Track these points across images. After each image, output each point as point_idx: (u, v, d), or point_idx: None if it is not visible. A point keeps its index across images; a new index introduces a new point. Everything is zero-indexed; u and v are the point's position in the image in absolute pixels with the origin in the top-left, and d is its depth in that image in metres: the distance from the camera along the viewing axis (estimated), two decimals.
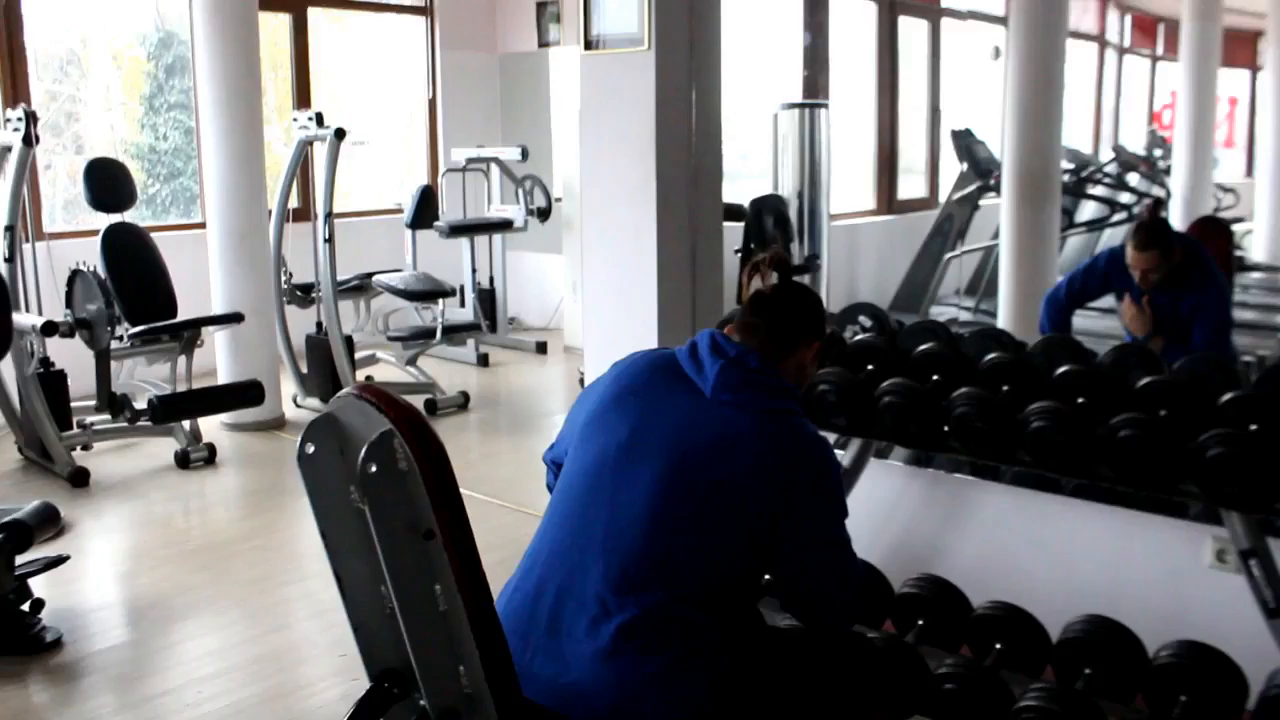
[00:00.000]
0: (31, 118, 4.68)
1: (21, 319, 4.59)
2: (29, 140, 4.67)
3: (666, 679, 1.68)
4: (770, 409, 1.80)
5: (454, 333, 6.47)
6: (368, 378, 5.88)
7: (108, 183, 5.07)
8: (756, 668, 1.81)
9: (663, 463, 1.76)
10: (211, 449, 4.94)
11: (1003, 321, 5.23)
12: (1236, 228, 6.30)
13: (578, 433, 1.90)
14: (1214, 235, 4.68)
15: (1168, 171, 8.58)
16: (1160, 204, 6.45)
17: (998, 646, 2.27)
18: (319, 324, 5.72)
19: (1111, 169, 8.39)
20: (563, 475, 1.89)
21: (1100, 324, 5.40)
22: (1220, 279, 3.69)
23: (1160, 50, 10.90)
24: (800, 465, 1.78)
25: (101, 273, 4.79)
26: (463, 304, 7.01)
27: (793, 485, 1.76)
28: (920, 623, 2.37)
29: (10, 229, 4.72)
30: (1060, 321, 3.88)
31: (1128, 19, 10.60)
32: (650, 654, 1.68)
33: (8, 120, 4.75)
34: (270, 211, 5.62)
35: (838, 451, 3.14)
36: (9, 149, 4.72)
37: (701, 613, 1.73)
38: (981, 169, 7.35)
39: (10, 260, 4.71)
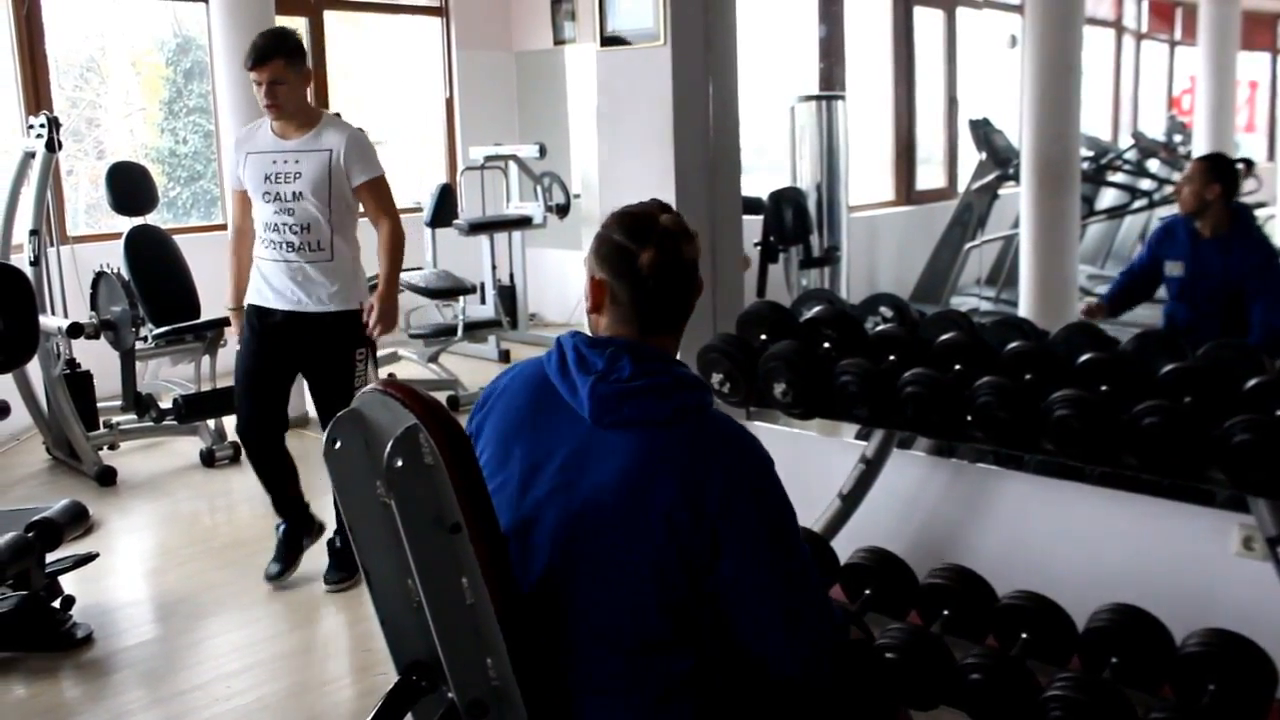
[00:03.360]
0: (54, 124, 4.72)
1: (47, 321, 4.63)
2: (52, 146, 4.71)
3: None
4: (670, 415, 1.55)
5: (475, 329, 6.50)
6: (390, 375, 5.90)
7: (129, 186, 5.11)
8: (750, 691, 1.68)
9: (560, 525, 1.55)
10: (236, 447, 4.97)
11: (1024, 310, 5.19)
12: (1259, 213, 6.24)
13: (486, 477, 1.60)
14: None
15: (1188, 157, 8.50)
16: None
17: (1023, 636, 2.26)
18: None
19: (1131, 156, 8.32)
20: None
21: None
22: (1270, 241, 3.74)
23: (1178, 35, 10.80)
24: (730, 465, 1.54)
25: (125, 275, 4.83)
26: (483, 301, 7.03)
27: (725, 495, 1.52)
28: (945, 613, 2.36)
29: (35, 233, 4.77)
30: (1121, 300, 4.06)
31: (1145, 3, 10.51)
32: (616, 707, 1.57)
33: (31, 127, 4.80)
34: None
35: (860, 442, 3.15)
36: (33, 155, 4.76)
37: (666, 657, 1.57)
38: (1000, 158, 7.31)
39: (36, 264, 4.76)
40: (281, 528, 3.67)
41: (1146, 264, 3.89)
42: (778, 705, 1.68)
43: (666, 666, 1.57)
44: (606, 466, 1.55)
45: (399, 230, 3.50)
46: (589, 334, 1.65)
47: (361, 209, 3.50)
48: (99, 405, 4.98)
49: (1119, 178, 7.99)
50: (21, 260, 4.65)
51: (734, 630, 1.60)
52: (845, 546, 2.63)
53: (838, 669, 1.67)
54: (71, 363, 4.84)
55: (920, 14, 8.59)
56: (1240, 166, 3.77)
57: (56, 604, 3.25)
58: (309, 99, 3.46)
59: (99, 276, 4.87)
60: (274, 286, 3.40)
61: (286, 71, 3.28)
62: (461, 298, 6.32)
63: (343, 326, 3.47)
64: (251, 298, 3.47)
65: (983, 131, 7.51)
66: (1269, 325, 3.50)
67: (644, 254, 1.59)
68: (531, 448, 1.61)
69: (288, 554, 3.65)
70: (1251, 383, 2.43)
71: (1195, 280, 3.69)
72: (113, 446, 5.00)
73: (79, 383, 4.84)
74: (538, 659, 1.54)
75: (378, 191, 3.45)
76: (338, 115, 3.67)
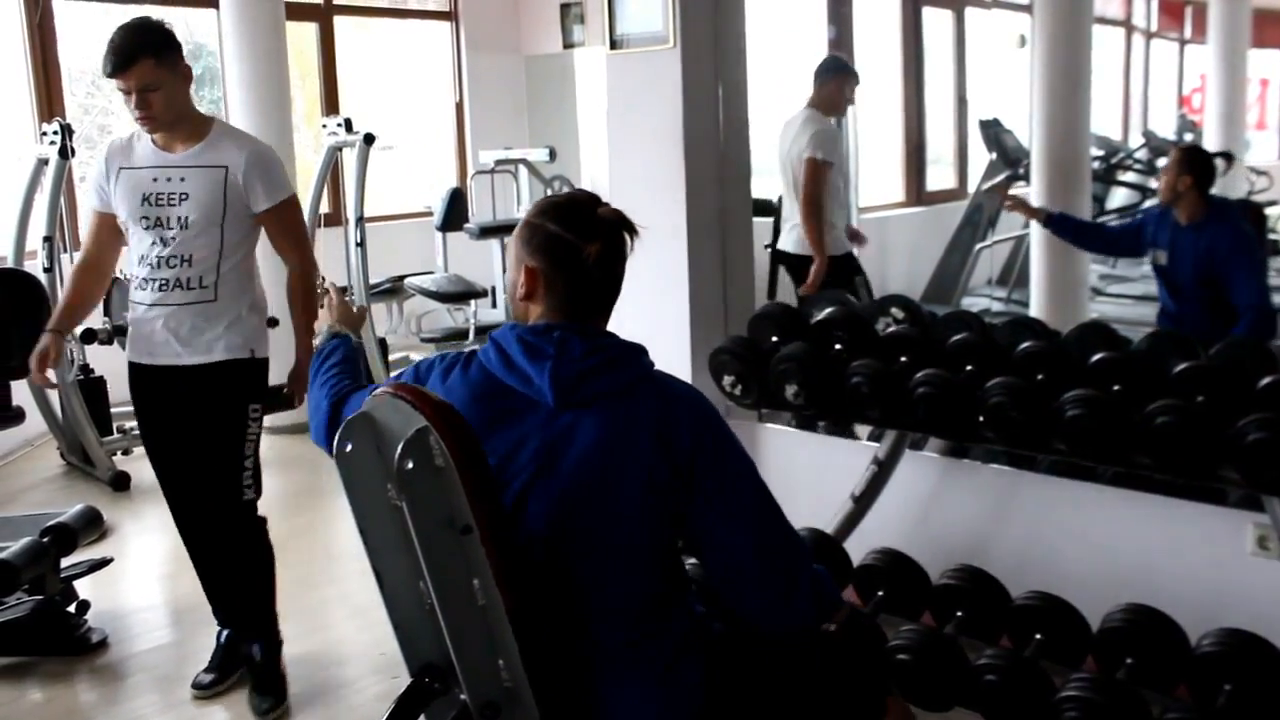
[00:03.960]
0: (67, 131, 4.75)
1: None
2: (65, 153, 4.74)
3: (656, 693, 1.61)
4: (627, 386, 1.64)
5: (486, 333, 6.48)
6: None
7: None
8: (752, 655, 1.72)
9: (547, 511, 1.60)
10: None
11: (1035, 311, 5.18)
12: (1270, 211, 6.21)
13: None
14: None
15: None
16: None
17: (1038, 637, 2.26)
18: None
19: (1141, 155, 8.29)
20: None
21: (1133, 311, 5.34)
22: (1243, 229, 3.76)
23: (1188, 33, 10.75)
24: (693, 415, 1.64)
25: None
26: (494, 304, 7.04)
27: (693, 440, 1.61)
28: (959, 614, 2.37)
29: (49, 240, 4.80)
30: (1072, 226, 4.34)
31: (1154, 2, 10.47)
32: (633, 674, 1.62)
33: (44, 134, 4.83)
34: None
35: (872, 443, 3.14)
36: (46, 162, 4.79)
37: (669, 616, 1.65)
38: (1010, 158, 7.29)
39: (49, 270, 4.78)
40: (223, 634, 3.00)
41: (1125, 227, 3.98)
42: (776, 658, 1.72)
43: (670, 625, 1.64)
44: (579, 445, 1.60)
45: (311, 268, 2.78)
46: (524, 324, 1.68)
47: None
48: (113, 411, 5.01)
49: (1129, 177, 7.96)
50: (35, 267, 4.67)
51: (710, 575, 1.69)
52: (858, 548, 2.63)
53: (816, 611, 1.69)
54: (85, 368, 4.87)
55: (929, 14, 8.58)
56: (1220, 161, 3.81)
57: (72, 609, 3.27)
58: (194, 103, 2.77)
59: (112, 282, 4.89)
60: (152, 339, 2.73)
61: (159, 72, 2.61)
62: (473, 301, 6.34)
63: (231, 376, 2.74)
64: (130, 354, 2.80)
65: (993, 131, 7.49)
66: (1250, 307, 3.56)
67: (590, 247, 1.64)
68: (495, 446, 1.62)
69: (224, 662, 2.96)
70: (1265, 381, 2.42)
71: (1175, 267, 3.76)
72: (126, 452, 5.01)
73: (93, 388, 4.87)
74: (548, 648, 1.55)
75: (286, 218, 2.75)
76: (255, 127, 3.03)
